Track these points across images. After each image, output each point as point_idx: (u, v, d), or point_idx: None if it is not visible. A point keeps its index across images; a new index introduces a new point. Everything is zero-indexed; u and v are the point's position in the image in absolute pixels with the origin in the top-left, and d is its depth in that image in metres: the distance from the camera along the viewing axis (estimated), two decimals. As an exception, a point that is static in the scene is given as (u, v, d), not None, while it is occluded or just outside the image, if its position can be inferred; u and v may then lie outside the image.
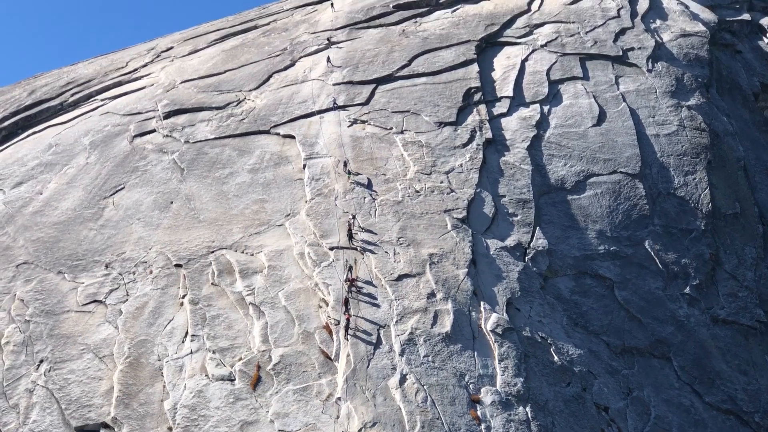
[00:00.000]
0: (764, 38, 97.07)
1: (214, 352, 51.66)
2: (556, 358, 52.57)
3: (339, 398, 47.04)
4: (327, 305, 53.17)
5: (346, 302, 52.58)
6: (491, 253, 59.50)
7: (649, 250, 64.80)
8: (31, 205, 71.78)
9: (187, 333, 53.89)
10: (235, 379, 49.43)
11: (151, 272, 59.56)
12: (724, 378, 58.25)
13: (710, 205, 69.81)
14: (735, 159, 76.25)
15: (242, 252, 59.89)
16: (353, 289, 54.47)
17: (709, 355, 59.41)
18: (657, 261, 64.17)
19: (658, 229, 66.86)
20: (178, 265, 59.36)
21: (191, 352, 52.40)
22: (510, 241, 61.32)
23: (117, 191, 70.97)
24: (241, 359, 50.77)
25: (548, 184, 68.24)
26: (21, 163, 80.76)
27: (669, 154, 73.13)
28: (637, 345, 57.57)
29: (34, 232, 67.23)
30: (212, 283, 57.06)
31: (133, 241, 63.43)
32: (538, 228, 63.36)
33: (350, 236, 58.99)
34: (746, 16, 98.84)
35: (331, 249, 58.38)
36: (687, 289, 63.11)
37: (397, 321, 51.73)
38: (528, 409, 47.64)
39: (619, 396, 53.33)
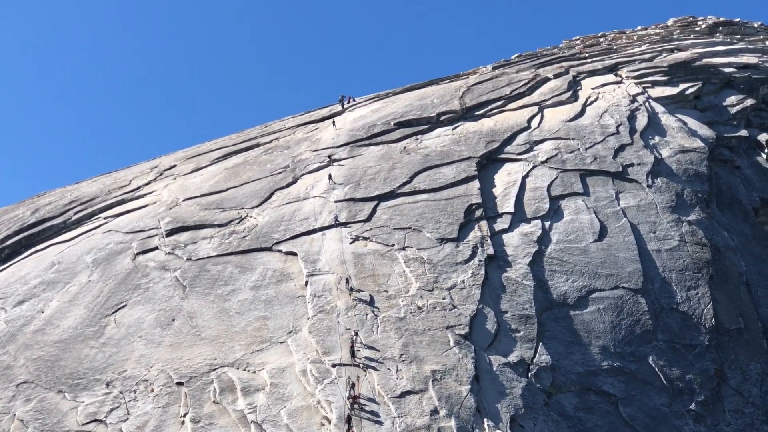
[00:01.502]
0: (762, 154, 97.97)
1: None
2: (561, 476, 52.05)
3: None
4: (330, 423, 52.74)
5: (349, 420, 52.24)
6: (494, 369, 59.16)
7: (654, 365, 64.28)
8: (33, 324, 71.61)
9: (189, 453, 53.32)
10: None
11: (152, 390, 59.09)
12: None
13: (713, 320, 69.58)
14: (737, 274, 76.34)
15: (244, 369, 59.48)
16: (356, 406, 54.04)
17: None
18: (661, 377, 63.64)
19: (661, 345, 66.53)
20: (179, 383, 58.89)
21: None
22: (513, 357, 61.07)
23: (119, 309, 70.86)
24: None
25: (550, 300, 68.17)
26: (23, 281, 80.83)
27: (671, 269, 73.23)
28: (644, 463, 56.91)
29: (35, 351, 66.93)
30: (214, 401, 56.60)
31: (135, 359, 63.09)
32: (541, 344, 63.11)
33: (353, 353, 58.77)
34: (744, 133, 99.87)
35: (334, 366, 58.02)
36: (692, 406, 62.57)
37: (399, 438, 51.28)
38: None
39: None
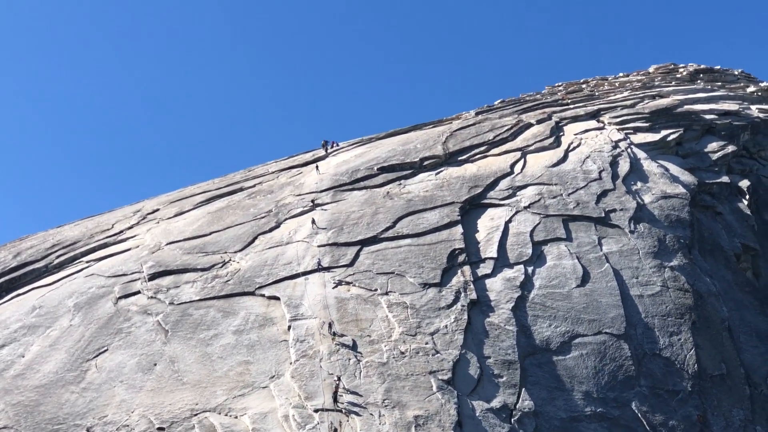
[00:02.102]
0: (743, 200, 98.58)
1: None
2: None
3: None
4: None
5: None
6: (477, 414, 59.04)
7: (636, 411, 64.21)
8: (13, 368, 71.04)
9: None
10: None
11: None
12: None
13: (696, 366, 69.64)
14: (719, 320, 76.47)
15: (226, 414, 59.09)
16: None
17: None
18: (644, 422, 63.53)
19: (644, 390, 66.43)
20: (160, 429, 58.39)
21: None
22: (496, 403, 60.93)
23: (100, 353, 70.38)
24: None
25: (533, 345, 68.04)
26: (4, 325, 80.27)
27: (653, 315, 73.36)
28: None
29: (15, 396, 66.34)
30: None
31: (116, 404, 62.62)
32: (524, 389, 62.90)
33: (335, 398, 58.55)
34: (725, 179, 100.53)
35: (316, 411, 57.81)
36: None
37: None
38: None
39: None
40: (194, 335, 70.42)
